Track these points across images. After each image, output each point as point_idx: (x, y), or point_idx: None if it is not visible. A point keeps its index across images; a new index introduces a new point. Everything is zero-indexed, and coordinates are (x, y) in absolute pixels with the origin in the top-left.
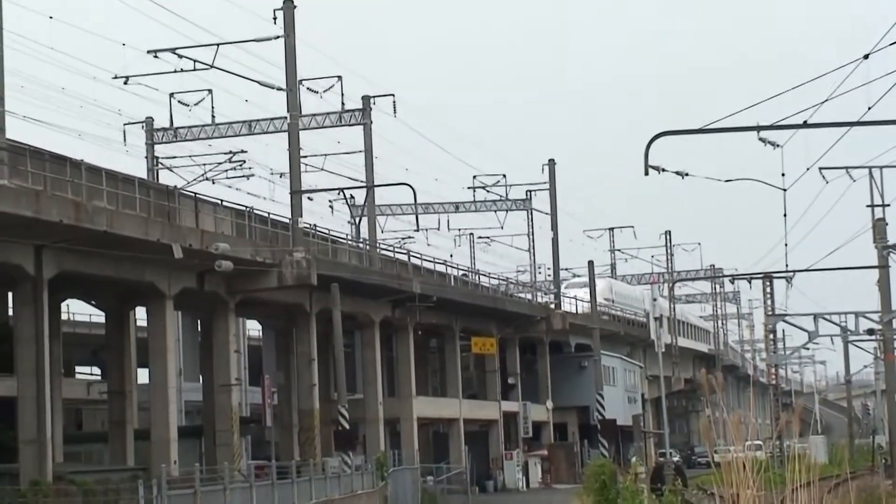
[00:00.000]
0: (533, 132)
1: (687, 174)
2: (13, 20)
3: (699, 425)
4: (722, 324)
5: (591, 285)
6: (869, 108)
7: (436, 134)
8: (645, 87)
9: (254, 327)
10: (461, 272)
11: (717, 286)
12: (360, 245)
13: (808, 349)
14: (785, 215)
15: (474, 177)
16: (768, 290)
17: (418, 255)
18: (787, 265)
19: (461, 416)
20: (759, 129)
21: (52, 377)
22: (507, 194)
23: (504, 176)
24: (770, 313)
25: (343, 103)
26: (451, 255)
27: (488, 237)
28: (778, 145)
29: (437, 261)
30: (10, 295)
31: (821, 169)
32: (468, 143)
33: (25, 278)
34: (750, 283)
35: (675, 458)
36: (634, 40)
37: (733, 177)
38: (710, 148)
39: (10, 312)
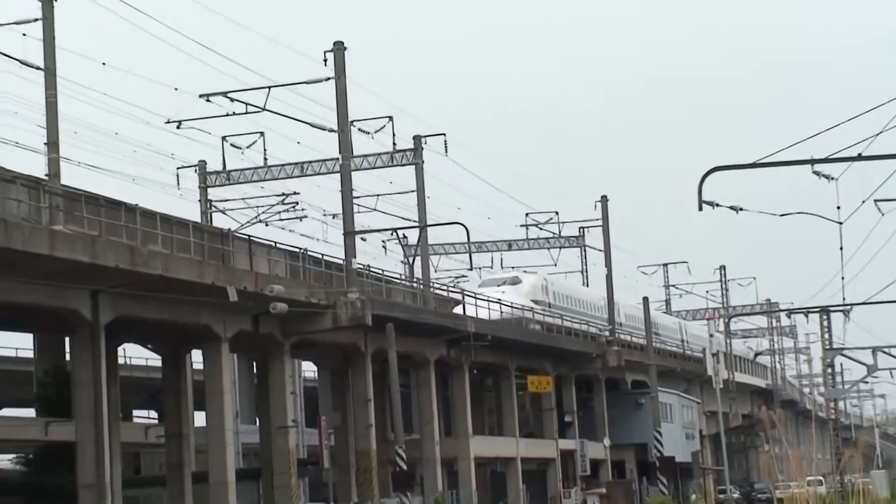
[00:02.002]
0: (585, 169)
1: (741, 209)
2: (67, 67)
3: (758, 461)
4: (779, 358)
5: (647, 323)
6: None
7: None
8: (698, 121)
9: (309, 368)
10: (515, 311)
11: (774, 320)
12: (414, 285)
13: (867, 383)
14: (841, 248)
15: (527, 214)
16: (825, 323)
17: (472, 294)
18: (844, 298)
19: (518, 454)
20: (812, 162)
21: (109, 421)
22: (559, 231)
23: (556, 213)
24: (828, 347)
25: (394, 143)
26: (503, 293)
27: None
28: (833, 178)
29: (490, 300)
30: (67, 340)
31: (876, 201)
32: (520, 181)
33: (83, 323)
34: (807, 316)
35: (735, 495)
36: (686, 76)
37: (788, 210)
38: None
39: (68, 357)
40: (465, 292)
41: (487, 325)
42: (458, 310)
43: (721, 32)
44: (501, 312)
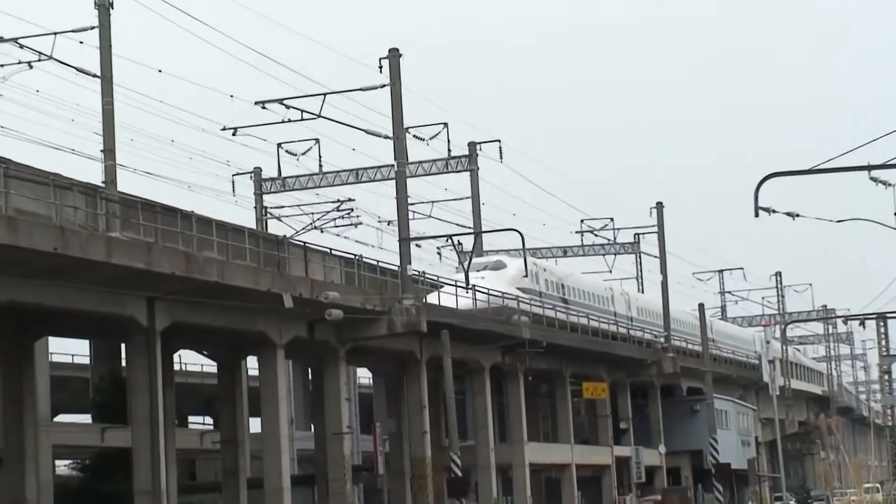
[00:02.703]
0: (641, 175)
1: (798, 215)
2: (123, 74)
3: (814, 468)
4: (835, 365)
5: (703, 330)
6: None
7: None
8: (753, 126)
9: (364, 375)
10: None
11: (830, 327)
12: (469, 291)
13: None
14: None
15: (582, 221)
16: (882, 330)
17: (527, 301)
18: None
19: (573, 461)
20: (869, 168)
21: (165, 427)
22: (615, 238)
23: (612, 219)
24: (885, 354)
25: (449, 150)
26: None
27: None
28: (890, 184)
29: (546, 306)
30: (123, 346)
31: None
32: (576, 187)
33: (138, 329)
34: (863, 323)
35: (792, 502)
36: (742, 82)
37: (844, 216)
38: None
39: (124, 363)
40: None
41: (542, 332)
42: (433, 298)
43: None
44: (475, 301)
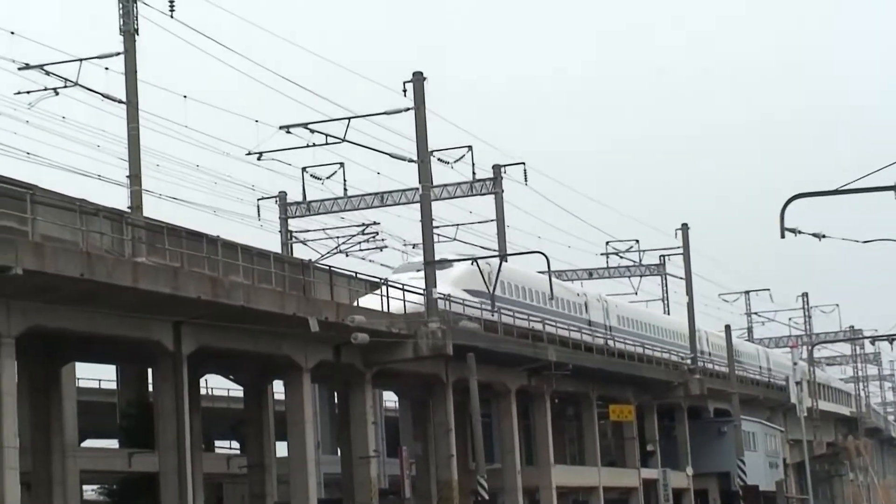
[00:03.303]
0: (666, 196)
1: (824, 236)
2: (148, 100)
3: (843, 490)
4: (863, 386)
5: (729, 351)
6: None
7: (568, 200)
8: (778, 146)
9: (390, 398)
10: (596, 339)
11: (858, 348)
12: (495, 314)
13: None
14: None
15: (607, 243)
16: None
17: (553, 323)
18: None
19: (600, 483)
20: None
21: (192, 452)
22: (640, 260)
23: (637, 241)
24: None
25: (474, 173)
26: (590, 323)
27: None
28: None
29: (571, 328)
30: (149, 371)
31: None
32: (600, 209)
33: (165, 354)
34: (891, 343)
35: None
36: (769, 99)
37: (871, 237)
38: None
39: (151, 388)
40: (546, 321)
41: (568, 354)
42: (365, 302)
43: (805, 60)
44: (405, 304)
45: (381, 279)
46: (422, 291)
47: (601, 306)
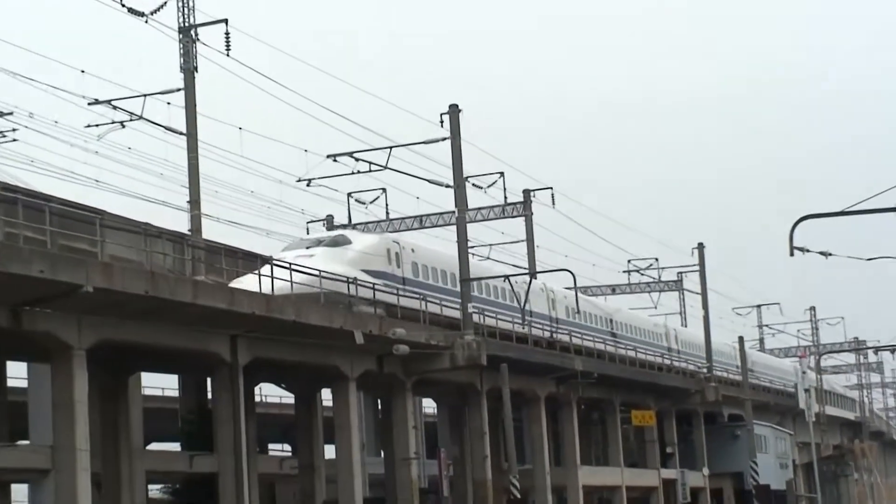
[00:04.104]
0: (683, 216)
1: (830, 254)
2: (206, 131)
3: (848, 489)
4: (867, 392)
5: (743, 362)
6: None
7: (592, 222)
8: (789, 168)
9: (429, 405)
10: (620, 349)
11: (862, 357)
12: (526, 327)
13: None
14: None
15: (629, 261)
16: None
17: (580, 335)
18: None
19: (623, 483)
20: None
21: (248, 454)
22: (659, 276)
23: (656, 259)
24: None
25: (506, 197)
26: (614, 335)
27: None
28: None
29: (597, 339)
30: (208, 380)
31: None
32: (622, 229)
33: (223, 365)
34: (893, 353)
35: None
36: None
37: (875, 254)
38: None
39: (209, 395)
40: (573, 332)
41: (593, 364)
42: (245, 282)
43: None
44: (292, 284)
45: (420, 295)
46: (308, 270)
47: (546, 296)
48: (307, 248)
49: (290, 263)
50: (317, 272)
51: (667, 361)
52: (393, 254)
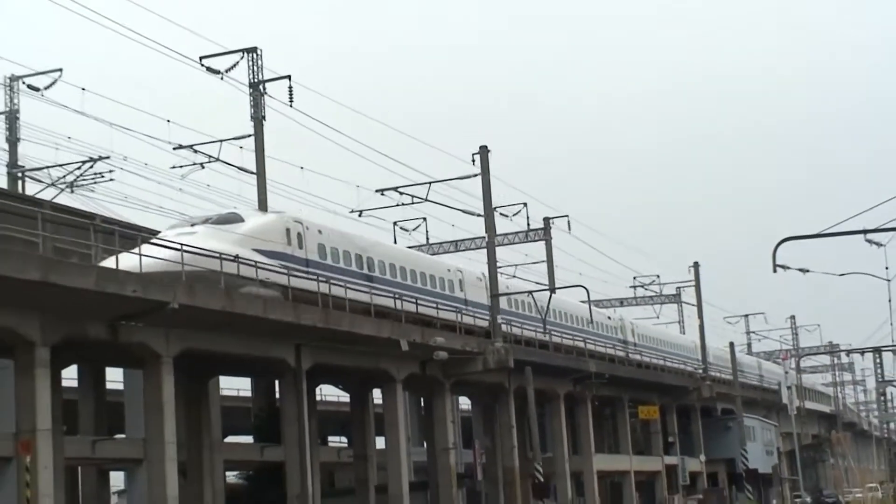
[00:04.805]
0: (680, 233)
1: (808, 270)
2: (273, 171)
3: (826, 472)
4: (840, 389)
5: (734, 364)
6: None
7: (602, 244)
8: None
9: (465, 402)
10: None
11: (836, 359)
12: (547, 336)
13: None
14: (889, 301)
15: (634, 278)
16: (878, 360)
17: (594, 341)
18: (893, 340)
19: (631, 468)
20: (865, 231)
21: (310, 446)
22: (660, 291)
23: (658, 276)
24: (880, 380)
25: (528, 224)
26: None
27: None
28: (882, 244)
29: (608, 345)
30: (276, 382)
31: None
32: (629, 252)
33: (288, 370)
34: (863, 355)
35: (808, 500)
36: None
37: (847, 270)
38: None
39: (277, 395)
40: (587, 339)
41: (605, 366)
42: (124, 259)
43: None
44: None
45: (458, 309)
46: (181, 246)
47: (456, 278)
48: (192, 225)
49: (173, 241)
50: (196, 250)
51: (668, 364)
52: (294, 234)
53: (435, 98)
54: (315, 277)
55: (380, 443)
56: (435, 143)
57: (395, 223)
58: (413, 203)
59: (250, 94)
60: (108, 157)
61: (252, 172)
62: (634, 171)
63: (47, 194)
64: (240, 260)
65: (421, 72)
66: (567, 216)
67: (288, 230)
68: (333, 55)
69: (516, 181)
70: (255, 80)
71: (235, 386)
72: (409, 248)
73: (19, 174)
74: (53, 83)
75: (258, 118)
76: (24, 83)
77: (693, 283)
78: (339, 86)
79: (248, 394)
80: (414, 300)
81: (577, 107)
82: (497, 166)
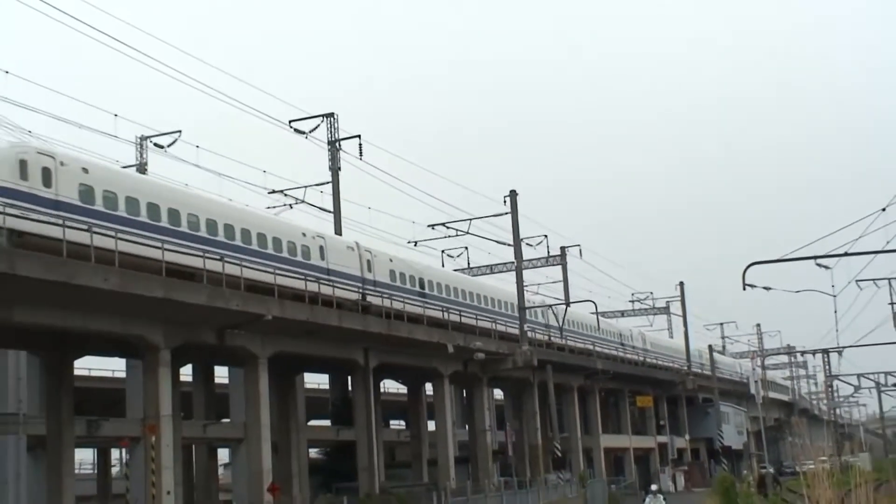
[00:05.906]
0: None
1: (770, 288)
2: (348, 210)
3: (786, 448)
4: (796, 382)
5: (712, 363)
6: (887, 242)
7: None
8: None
9: (498, 394)
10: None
11: (793, 358)
12: (564, 341)
13: (854, 397)
14: (835, 311)
15: (632, 294)
16: (826, 359)
17: (600, 344)
18: (838, 343)
19: (631, 446)
20: (815, 257)
21: (376, 428)
22: (653, 304)
23: (651, 293)
24: (828, 374)
25: (548, 251)
26: (623, 344)
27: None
28: (829, 267)
29: (611, 348)
30: (349, 378)
31: (857, 281)
32: (630, 273)
33: (359, 368)
34: (814, 355)
35: (771, 470)
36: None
37: (802, 288)
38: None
39: (350, 388)
40: (595, 342)
41: (610, 363)
42: None
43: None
44: None
45: (492, 320)
46: None
47: (357, 255)
48: None
49: None
50: None
51: (662, 363)
52: (37, 168)
53: (457, 140)
54: (379, 294)
55: (431, 425)
56: (474, 186)
57: (442, 251)
58: (457, 235)
59: (328, 149)
60: None
61: (330, 211)
62: (636, 203)
63: None
64: None
65: (449, 117)
66: (579, 246)
67: (23, 162)
68: (397, 115)
69: (539, 216)
70: (332, 139)
71: (317, 381)
72: (455, 270)
73: None
74: (174, 142)
75: (335, 169)
76: (151, 142)
77: (679, 298)
78: (401, 139)
79: (327, 387)
80: (458, 312)
81: (600, 168)
82: (525, 204)
